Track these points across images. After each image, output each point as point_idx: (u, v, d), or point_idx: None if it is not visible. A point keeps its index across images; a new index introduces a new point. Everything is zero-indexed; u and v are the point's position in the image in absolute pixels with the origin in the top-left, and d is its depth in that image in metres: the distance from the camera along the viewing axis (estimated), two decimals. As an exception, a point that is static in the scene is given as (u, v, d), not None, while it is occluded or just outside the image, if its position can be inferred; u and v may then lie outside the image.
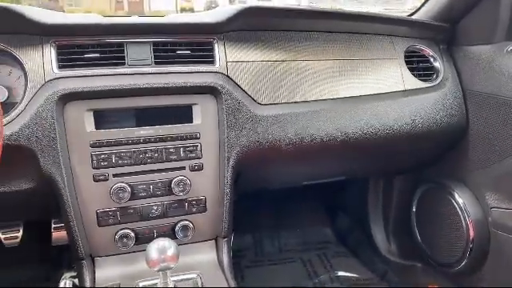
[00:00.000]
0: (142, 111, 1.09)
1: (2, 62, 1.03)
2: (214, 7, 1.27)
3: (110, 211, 1.08)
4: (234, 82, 1.15)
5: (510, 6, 1.32)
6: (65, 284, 1.16)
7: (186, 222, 1.14)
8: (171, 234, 1.13)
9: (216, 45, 1.16)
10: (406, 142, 1.36)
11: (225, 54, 1.16)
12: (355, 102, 1.28)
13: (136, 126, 1.08)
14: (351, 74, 1.30)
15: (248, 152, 1.15)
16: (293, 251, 1.92)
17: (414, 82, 1.38)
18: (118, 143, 1.06)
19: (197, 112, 1.12)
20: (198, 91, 1.12)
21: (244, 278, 1.71)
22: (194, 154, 1.12)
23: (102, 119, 1.06)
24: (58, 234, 1.20)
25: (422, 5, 1.51)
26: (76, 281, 1.14)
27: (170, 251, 0.92)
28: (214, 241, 1.20)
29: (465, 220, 1.41)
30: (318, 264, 1.82)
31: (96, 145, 1.05)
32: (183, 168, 1.12)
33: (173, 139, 1.10)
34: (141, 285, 1.06)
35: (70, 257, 1.26)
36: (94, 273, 1.09)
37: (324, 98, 1.25)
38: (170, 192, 1.11)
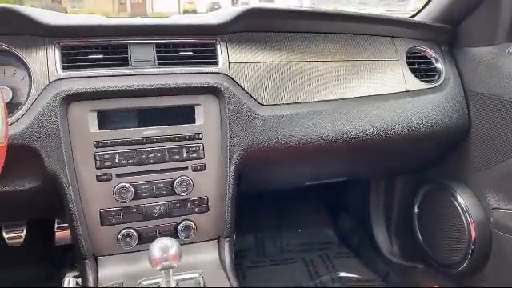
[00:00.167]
0: (145, 112, 1.10)
1: (7, 62, 1.05)
2: (217, 9, 1.28)
3: (113, 211, 1.09)
4: (237, 83, 1.16)
5: (511, 8, 1.32)
6: (68, 283, 1.16)
7: (189, 222, 1.15)
8: (174, 233, 1.14)
9: (219, 46, 1.17)
10: (409, 143, 1.36)
11: (227, 55, 1.17)
12: (357, 102, 1.28)
13: (139, 127, 1.09)
14: (353, 75, 1.31)
15: (250, 152, 1.16)
16: (295, 252, 1.92)
17: (416, 83, 1.38)
18: (121, 143, 1.07)
19: (199, 112, 1.13)
20: (200, 92, 1.12)
21: (246, 278, 1.71)
22: (196, 155, 1.13)
23: (106, 119, 1.06)
24: (62, 234, 1.21)
25: (424, 6, 1.52)
26: (79, 280, 1.15)
27: (173, 250, 0.93)
28: (216, 241, 1.20)
29: (466, 221, 1.41)
30: (319, 264, 1.82)
31: (99, 145, 1.06)
32: (186, 168, 1.13)
33: (175, 139, 1.11)
34: (143, 284, 1.06)
35: (72, 256, 1.27)
36: (97, 272, 1.10)
37: (327, 99, 1.25)
38: (172, 192, 1.12)
